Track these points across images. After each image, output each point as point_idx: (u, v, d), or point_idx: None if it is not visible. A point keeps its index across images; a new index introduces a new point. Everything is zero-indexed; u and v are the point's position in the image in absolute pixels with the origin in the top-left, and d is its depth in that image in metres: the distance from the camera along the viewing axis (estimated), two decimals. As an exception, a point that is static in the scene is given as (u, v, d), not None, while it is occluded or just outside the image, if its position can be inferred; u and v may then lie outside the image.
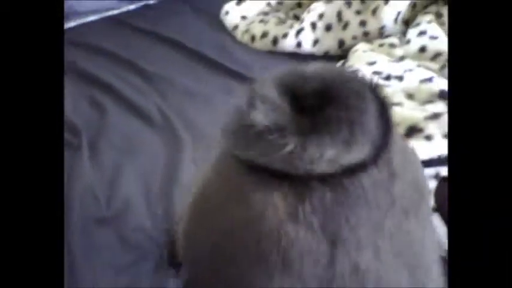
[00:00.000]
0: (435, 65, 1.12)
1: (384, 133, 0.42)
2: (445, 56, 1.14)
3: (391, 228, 0.42)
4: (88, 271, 0.81)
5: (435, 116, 0.91)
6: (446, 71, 1.09)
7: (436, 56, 1.15)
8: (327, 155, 0.38)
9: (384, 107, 0.43)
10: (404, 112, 0.94)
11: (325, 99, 0.40)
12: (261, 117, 0.40)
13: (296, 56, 1.30)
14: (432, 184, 0.85)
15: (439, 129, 0.87)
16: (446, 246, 0.82)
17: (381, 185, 0.41)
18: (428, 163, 0.85)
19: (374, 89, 0.43)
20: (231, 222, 0.42)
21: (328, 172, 0.39)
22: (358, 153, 0.39)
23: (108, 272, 0.82)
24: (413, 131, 0.89)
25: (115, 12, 1.53)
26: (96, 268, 0.82)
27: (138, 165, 1.01)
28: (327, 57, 1.28)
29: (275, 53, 1.32)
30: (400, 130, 0.91)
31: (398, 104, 0.97)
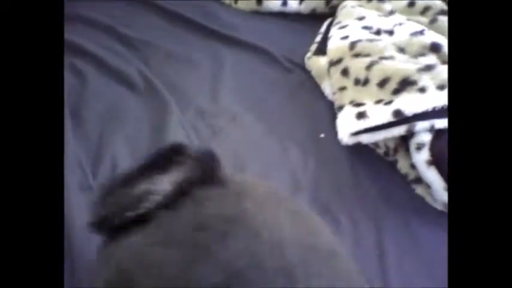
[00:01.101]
0: (425, 19, 1.09)
1: None
2: (434, 10, 1.11)
3: None
4: (75, 245, 0.78)
5: (428, 68, 0.88)
6: (436, 24, 1.07)
7: (425, 10, 1.12)
8: None
9: None
10: (396, 65, 0.91)
11: None
12: None
13: (282, 15, 1.27)
14: (427, 137, 0.83)
15: (432, 81, 0.85)
16: (444, 200, 0.81)
17: None
18: (423, 116, 0.83)
19: None
20: None
21: None
22: None
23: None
24: (406, 83, 0.87)
25: (92, -22, 1.46)
26: (82, 242, 0.79)
27: (124, 132, 0.98)
28: (314, 15, 1.25)
29: (260, 13, 1.28)
30: (392, 83, 0.89)
31: (389, 57, 0.95)
